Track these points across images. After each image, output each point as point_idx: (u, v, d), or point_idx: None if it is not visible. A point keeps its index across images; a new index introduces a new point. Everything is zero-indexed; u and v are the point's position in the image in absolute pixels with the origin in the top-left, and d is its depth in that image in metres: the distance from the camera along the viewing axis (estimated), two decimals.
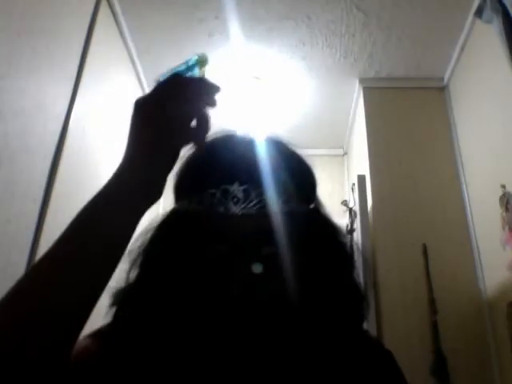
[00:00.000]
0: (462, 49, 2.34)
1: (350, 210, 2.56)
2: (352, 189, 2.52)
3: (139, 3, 2.18)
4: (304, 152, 0.58)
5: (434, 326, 2.00)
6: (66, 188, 1.71)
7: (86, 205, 0.44)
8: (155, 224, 0.55)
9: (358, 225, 2.29)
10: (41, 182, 1.56)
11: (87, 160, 1.94)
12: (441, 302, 2.05)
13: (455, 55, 2.41)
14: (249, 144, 0.53)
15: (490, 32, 1.91)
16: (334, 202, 3.09)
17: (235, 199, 0.47)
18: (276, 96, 2.81)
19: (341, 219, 2.73)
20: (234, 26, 2.27)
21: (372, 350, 0.55)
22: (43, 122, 1.56)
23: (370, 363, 0.52)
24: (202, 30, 2.32)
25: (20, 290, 0.42)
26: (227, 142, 0.55)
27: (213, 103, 0.48)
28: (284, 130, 3.15)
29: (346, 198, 2.87)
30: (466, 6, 2.14)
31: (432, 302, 2.05)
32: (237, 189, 0.48)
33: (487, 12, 1.84)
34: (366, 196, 2.33)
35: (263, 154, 0.51)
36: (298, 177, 0.53)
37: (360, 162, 2.73)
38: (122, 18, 2.23)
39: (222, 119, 3.16)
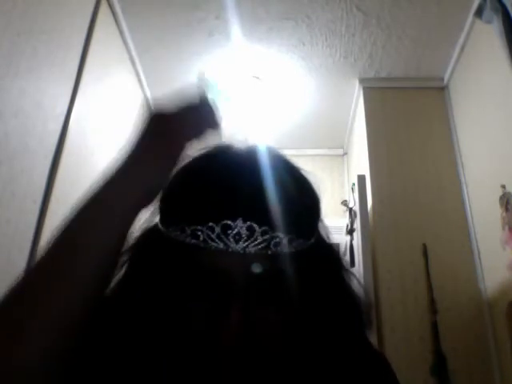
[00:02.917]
0: (462, 49, 2.34)
1: (350, 210, 2.56)
2: (352, 189, 2.52)
3: (139, 3, 2.18)
4: (305, 168, 0.53)
5: (434, 326, 2.00)
6: (66, 188, 1.71)
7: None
8: (134, 243, 0.49)
9: (357, 225, 2.29)
10: (41, 182, 1.56)
11: (87, 160, 1.94)
12: (441, 301, 2.05)
13: (455, 55, 2.41)
14: (252, 166, 0.47)
15: (490, 32, 1.91)
16: (334, 202, 3.09)
17: (237, 236, 0.42)
18: (276, 96, 2.81)
19: (341, 219, 2.73)
20: (234, 25, 2.27)
21: (371, 365, 0.52)
22: (43, 121, 1.56)
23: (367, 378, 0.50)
24: (201, 30, 2.32)
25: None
26: (228, 162, 0.48)
27: (216, 125, 0.50)
28: (284, 130, 3.15)
29: (346, 198, 2.87)
30: (465, 5, 2.14)
31: (432, 301, 2.05)
32: (240, 225, 0.42)
33: (487, 12, 1.84)
34: (365, 196, 2.32)
35: (269, 180, 0.45)
36: (307, 206, 0.48)
37: (360, 162, 2.73)
38: (121, 18, 2.23)
39: (221, 119, 3.16)
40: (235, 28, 2.28)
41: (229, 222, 0.42)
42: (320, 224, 0.52)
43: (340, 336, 0.48)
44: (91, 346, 0.42)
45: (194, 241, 0.42)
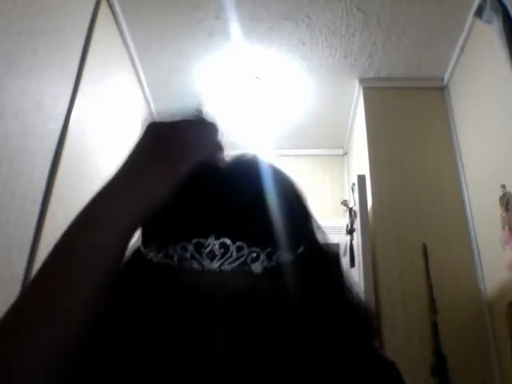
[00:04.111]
0: (462, 49, 2.34)
1: (350, 210, 2.55)
2: (352, 189, 2.52)
3: (139, 3, 2.18)
4: (289, 175, 0.49)
5: (434, 326, 2.00)
6: (66, 188, 1.71)
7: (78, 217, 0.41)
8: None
9: (357, 225, 2.29)
10: (41, 182, 1.56)
11: (87, 160, 1.94)
12: (441, 301, 2.05)
13: (455, 55, 2.41)
14: (224, 177, 0.44)
15: (489, 32, 1.91)
16: (334, 202, 3.10)
17: (211, 255, 0.39)
18: (276, 96, 2.81)
19: (341, 219, 2.73)
20: (234, 26, 2.27)
21: (380, 377, 0.48)
22: (43, 121, 1.56)
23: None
24: (202, 30, 2.32)
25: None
26: (199, 176, 0.44)
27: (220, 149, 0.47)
28: (284, 131, 3.15)
29: (346, 198, 2.87)
30: (466, 6, 2.14)
31: (432, 301, 2.05)
32: (212, 243, 0.39)
33: (487, 12, 1.84)
34: (365, 196, 2.32)
35: (242, 190, 0.42)
36: (288, 214, 0.43)
37: (360, 162, 2.73)
38: (121, 18, 2.23)
39: (221, 119, 3.16)
40: (235, 28, 2.28)
41: (201, 240, 0.39)
42: (315, 227, 0.49)
43: (341, 351, 0.45)
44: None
45: (168, 261, 0.40)
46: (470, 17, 2.15)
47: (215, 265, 0.39)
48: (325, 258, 0.49)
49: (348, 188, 3.05)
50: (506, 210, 1.83)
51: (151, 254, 0.42)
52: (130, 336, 0.42)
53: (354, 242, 2.38)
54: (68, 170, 1.73)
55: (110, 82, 2.20)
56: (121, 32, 2.28)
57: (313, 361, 0.43)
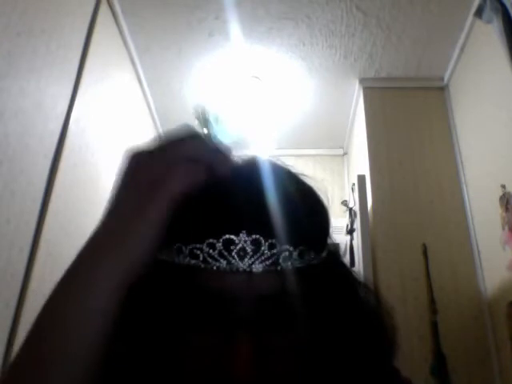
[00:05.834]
0: (462, 49, 2.34)
1: (350, 210, 2.56)
2: (352, 189, 2.52)
3: (139, 3, 2.19)
4: (306, 169, 0.48)
5: (434, 326, 2.00)
6: (66, 188, 1.71)
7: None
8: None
9: (357, 225, 2.29)
10: (41, 182, 1.56)
11: (87, 160, 1.94)
12: (441, 301, 2.05)
13: (455, 55, 2.41)
14: (252, 175, 0.41)
15: (489, 32, 1.91)
16: (334, 202, 3.09)
17: (241, 252, 0.36)
18: (276, 96, 2.81)
19: (341, 219, 2.73)
20: (234, 26, 2.27)
21: None
22: (43, 121, 1.56)
23: None
24: (202, 30, 2.32)
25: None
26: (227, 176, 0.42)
27: (226, 171, 0.39)
28: (284, 131, 3.15)
29: (346, 198, 2.87)
30: (466, 6, 2.14)
31: (432, 301, 2.05)
32: (244, 239, 0.37)
33: (487, 12, 1.84)
34: (365, 196, 2.33)
35: (272, 189, 0.40)
36: (316, 217, 0.43)
37: (360, 162, 2.73)
38: (121, 18, 2.23)
39: (221, 119, 3.15)
40: (235, 28, 2.28)
41: (231, 237, 0.37)
42: (329, 238, 0.47)
43: (363, 363, 0.42)
44: None
45: (193, 261, 0.37)
46: (470, 17, 2.15)
47: (246, 264, 0.36)
48: (341, 262, 0.48)
49: (348, 188, 3.05)
50: (506, 209, 1.83)
51: (172, 256, 0.38)
52: (149, 349, 0.39)
53: (354, 242, 2.38)
54: (68, 170, 1.72)
55: (110, 82, 2.20)
56: (121, 32, 2.28)
57: (340, 374, 0.41)
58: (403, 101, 2.62)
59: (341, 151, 3.41)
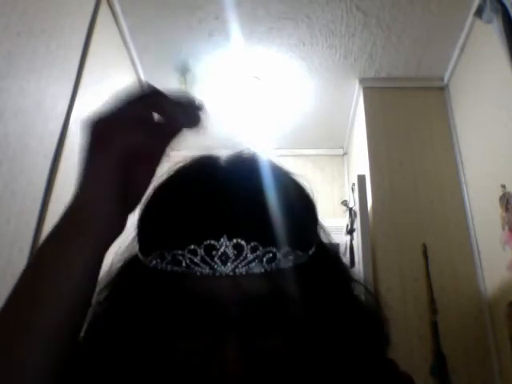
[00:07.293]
0: (462, 49, 2.34)
1: (350, 210, 2.56)
2: (352, 189, 2.52)
3: (139, 3, 2.18)
4: (295, 172, 0.46)
5: (434, 326, 2.00)
6: (66, 188, 1.71)
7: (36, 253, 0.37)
8: (111, 277, 0.43)
9: (357, 225, 2.29)
10: (41, 182, 1.56)
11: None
12: (441, 301, 2.05)
13: (455, 55, 2.41)
14: (233, 175, 0.41)
15: (489, 32, 1.91)
16: (334, 202, 3.09)
17: (223, 257, 0.36)
18: (276, 96, 2.81)
19: (341, 219, 2.73)
20: (234, 26, 2.27)
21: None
22: (43, 121, 1.56)
23: None
24: (202, 30, 2.32)
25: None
26: (206, 174, 0.42)
27: (193, 123, 0.37)
28: (284, 131, 3.15)
29: (346, 198, 2.87)
30: (466, 6, 2.14)
31: (432, 301, 2.05)
32: (225, 244, 0.36)
33: (487, 12, 1.84)
34: (365, 196, 2.33)
35: (253, 188, 0.39)
36: (300, 214, 0.42)
37: (360, 162, 2.73)
38: (121, 18, 2.23)
39: (221, 119, 3.16)
40: (235, 28, 2.28)
41: (212, 242, 0.36)
42: (321, 230, 0.46)
43: (357, 360, 0.42)
44: None
45: (175, 268, 0.37)
46: (470, 17, 2.15)
47: (228, 268, 0.36)
48: (334, 258, 0.47)
49: (348, 188, 3.05)
50: (506, 209, 1.83)
51: (154, 262, 0.38)
52: (134, 352, 0.39)
53: (354, 242, 2.38)
54: (68, 170, 1.72)
55: (110, 82, 2.20)
56: (121, 32, 2.28)
57: (332, 374, 0.40)
58: (403, 101, 2.62)
59: (341, 151, 3.41)
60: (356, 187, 2.36)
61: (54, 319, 0.34)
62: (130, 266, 0.43)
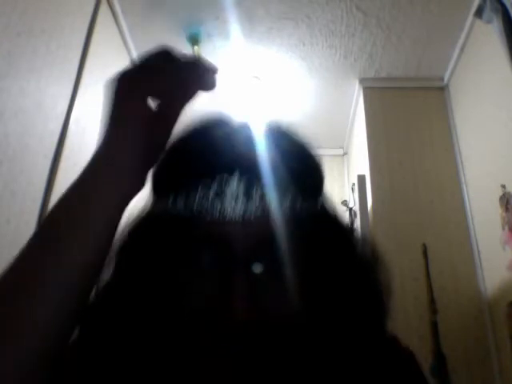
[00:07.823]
0: (462, 49, 2.34)
1: (350, 209, 2.56)
2: (352, 189, 2.52)
3: (139, 3, 2.18)
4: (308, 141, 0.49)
5: (434, 326, 2.00)
6: (66, 188, 1.71)
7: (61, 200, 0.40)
8: (127, 230, 0.44)
9: (357, 225, 2.29)
10: (41, 182, 1.56)
11: (87, 160, 1.93)
12: (441, 301, 2.05)
13: (455, 55, 2.41)
14: (246, 131, 0.43)
15: (489, 32, 1.91)
16: (333, 202, 3.09)
17: (234, 201, 0.37)
18: (276, 96, 2.81)
19: None
20: (234, 26, 2.27)
21: (392, 357, 0.46)
22: (43, 121, 1.56)
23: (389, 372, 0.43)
24: (202, 30, 2.32)
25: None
26: (219, 125, 0.44)
27: (208, 86, 0.41)
28: None
29: (346, 198, 2.87)
30: (466, 6, 2.14)
31: (432, 301, 2.04)
32: (236, 188, 0.38)
33: (487, 12, 1.84)
34: (365, 196, 2.33)
35: (264, 143, 0.42)
36: (310, 167, 0.45)
37: (360, 162, 2.73)
38: (121, 18, 2.23)
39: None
40: (235, 28, 2.28)
41: (223, 185, 0.38)
42: (326, 197, 0.48)
43: (358, 313, 0.42)
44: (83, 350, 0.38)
45: (188, 211, 0.38)
46: (470, 17, 2.15)
47: (239, 211, 0.37)
48: (338, 215, 0.48)
49: (348, 188, 3.05)
50: (506, 209, 1.83)
51: (165, 207, 0.39)
52: (149, 290, 0.39)
53: None
54: (68, 170, 1.72)
55: None
56: (121, 32, 2.28)
57: (333, 320, 0.41)
58: (403, 101, 2.62)
59: (341, 151, 3.41)
60: (356, 187, 2.36)
61: (79, 261, 0.36)
62: (142, 220, 0.43)
